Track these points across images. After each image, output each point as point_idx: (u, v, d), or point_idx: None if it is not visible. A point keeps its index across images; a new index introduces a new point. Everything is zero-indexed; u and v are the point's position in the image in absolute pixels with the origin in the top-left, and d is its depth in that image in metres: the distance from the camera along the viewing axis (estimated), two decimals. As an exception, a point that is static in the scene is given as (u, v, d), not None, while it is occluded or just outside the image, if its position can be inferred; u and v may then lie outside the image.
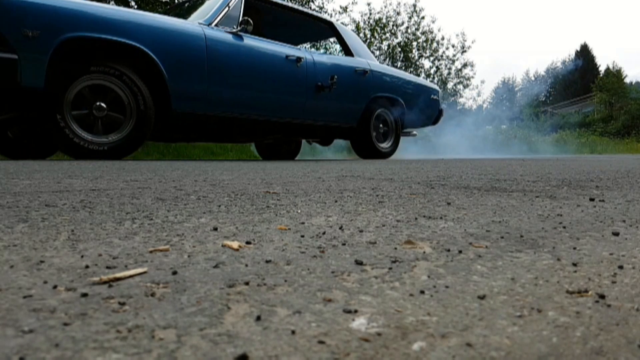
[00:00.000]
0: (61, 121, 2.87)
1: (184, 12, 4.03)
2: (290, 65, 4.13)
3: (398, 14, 16.39)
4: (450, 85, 17.63)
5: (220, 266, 0.57)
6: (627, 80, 28.10)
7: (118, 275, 0.51)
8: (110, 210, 0.94)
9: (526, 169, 2.91)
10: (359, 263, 0.61)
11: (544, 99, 37.10)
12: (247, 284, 0.51)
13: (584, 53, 38.43)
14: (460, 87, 17.95)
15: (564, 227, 0.89)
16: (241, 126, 3.95)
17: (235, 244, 0.67)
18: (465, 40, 18.19)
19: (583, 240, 0.78)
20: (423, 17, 16.53)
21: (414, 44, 16.55)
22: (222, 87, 3.62)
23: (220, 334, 0.37)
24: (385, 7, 22.49)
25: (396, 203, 1.18)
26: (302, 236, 0.76)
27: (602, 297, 0.49)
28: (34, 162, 2.70)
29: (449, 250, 0.69)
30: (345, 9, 13.23)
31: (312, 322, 0.41)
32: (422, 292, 0.50)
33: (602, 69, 35.84)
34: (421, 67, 16.94)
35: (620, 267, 0.61)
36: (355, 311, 0.44)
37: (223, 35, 3.66)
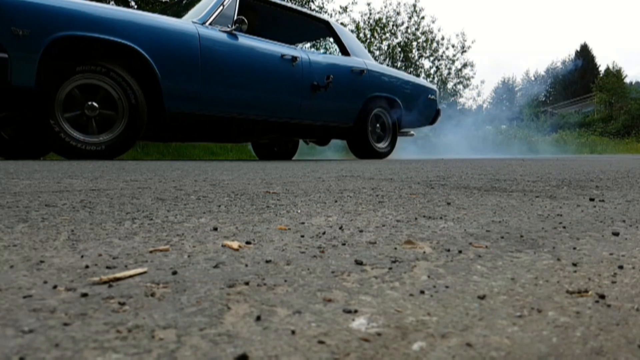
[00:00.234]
0: (54, 124, 2.86)
1: (181, 10, 4.01)
2: (285, 64, 4.10)
3: (398, 14, 16.42)
4: (450, 85, 17.64)
5: (220, 266, 0.57)
6: (627, 80, 28.13)
7: (118, 275, 0.51)
8: (110, 210, 0.94)
9: (526, 169, 2.91)
10: (359, 263, 0.61)
11: (543, 99, 37.10)
12: (247, 284, 0.51)
13: (584, 53, 38.43)
14: (460, 87, 17.97)
15: (564, 227, 0.89)
16: (235, 126, 3.92)
17: (235, 244, 0.67)
18: (465, 40, 18.24)
19: (583, 240, 0.78)
20: (423, 17, 16.56)
21: (414, 44, 16.57)
22: (216, 87, 3.60)
23: (220, 334, 0.37)
24: (385, 7, 22.54)
25: (396, 203, 1.18)
26: (302, 236, 0.76)
27: (602, 297, 0.49)
28: (34, 162, 2.70)
29: (449, 250, 0.69)
30: (345, 9, 13.24)
31: (312, 322, 0.41)
32: (422, 292, 0.50)
33: (602, 69, 35.86)
34: (421, 67, 16.95)
35: (620, 267, 0.61)
36: (355, 311, 0.44)
37: (217, 34, 3.64)
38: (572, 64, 37.23)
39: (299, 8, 4.86)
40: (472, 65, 17.92)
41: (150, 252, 0.63)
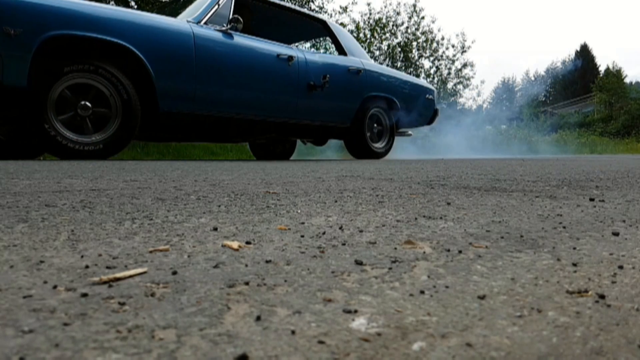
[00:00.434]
0: (48, 128, 2.84)
1: (178, 9, 4.00)
2: (281, 64, 4.08)
3: (398, 14, 16.42)
4: (450, 85, 17.65)
5: (220, 266, 0.57)
6: (627, 80, 28.14)
7: (118, 275, 0.51)
8: (110, 210, 0.94)
9: (526, 169, 2.91)
10: (359, 263, 0.61)
11: (543, 99, 37.11)
12: (247, 284, 0.51)
13: (584, 53, 38.44)
14: (460, 87, 17.97)
15: (564, 227, 0.89)
16: (231, 126, 3.90)
17: (235, 244, 0.67)
18: (465, 40, 18.24)
19: (583, 240, 0.78)
20: (423, 17, 16.56)
21: (414, 44, 16.57)
22: (211, 86, 3.58)
23: (220, 334, 0.37)
24: (385, 7, 22.54)
25: (396, 203, 1.18)
26: (302, 236, 0.76)
27: (602, 297, 0.49)
28: (34, 162, 2.70)
29: (449, 250, 0.69)
30: (345, 9, 13.24)
31: (312, 322, 0.41)
32: (422, 292, 0.50)
33: (602, 69, 35.87)
34: (421, 67, 16.95)
35: (620, 267, 0.61)
36: (355, 311, 0.44)
37: (212, 33, 3.62)
38: (572, 64, 37.25)
39: (296, 7, 4.83)
40: (472, 65, 17.95)
41: (150, 252, 0.63)
